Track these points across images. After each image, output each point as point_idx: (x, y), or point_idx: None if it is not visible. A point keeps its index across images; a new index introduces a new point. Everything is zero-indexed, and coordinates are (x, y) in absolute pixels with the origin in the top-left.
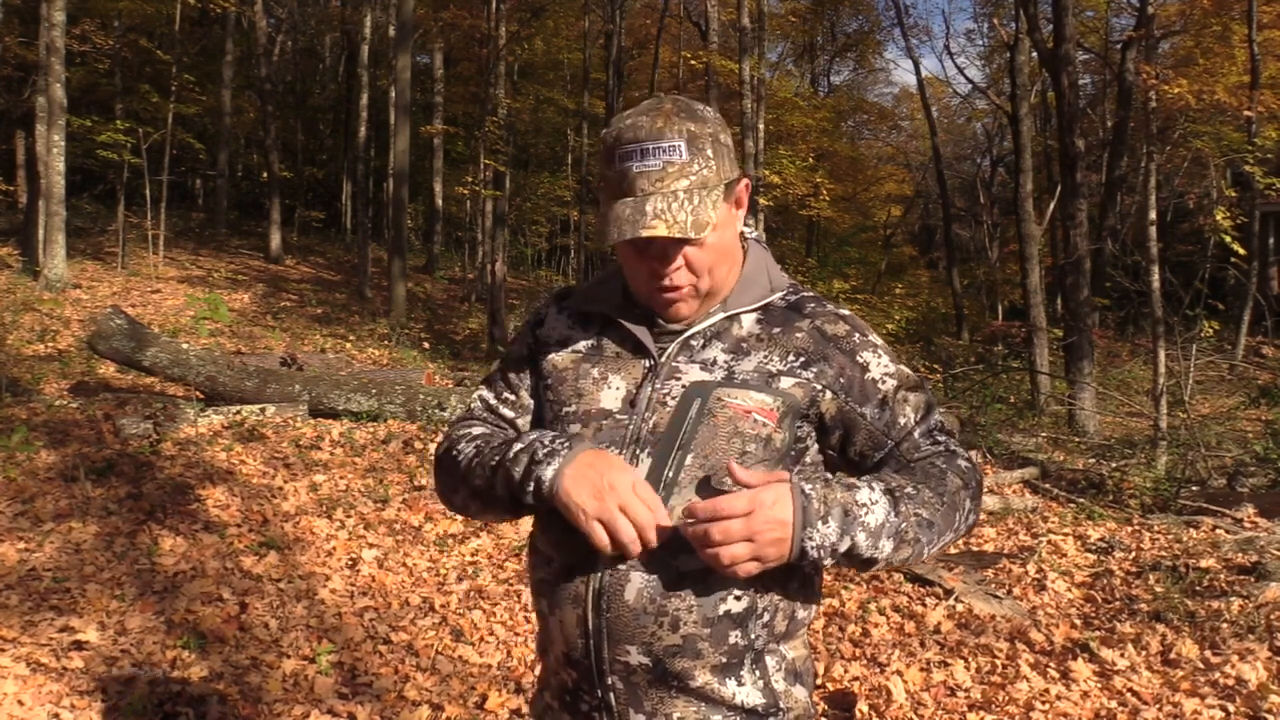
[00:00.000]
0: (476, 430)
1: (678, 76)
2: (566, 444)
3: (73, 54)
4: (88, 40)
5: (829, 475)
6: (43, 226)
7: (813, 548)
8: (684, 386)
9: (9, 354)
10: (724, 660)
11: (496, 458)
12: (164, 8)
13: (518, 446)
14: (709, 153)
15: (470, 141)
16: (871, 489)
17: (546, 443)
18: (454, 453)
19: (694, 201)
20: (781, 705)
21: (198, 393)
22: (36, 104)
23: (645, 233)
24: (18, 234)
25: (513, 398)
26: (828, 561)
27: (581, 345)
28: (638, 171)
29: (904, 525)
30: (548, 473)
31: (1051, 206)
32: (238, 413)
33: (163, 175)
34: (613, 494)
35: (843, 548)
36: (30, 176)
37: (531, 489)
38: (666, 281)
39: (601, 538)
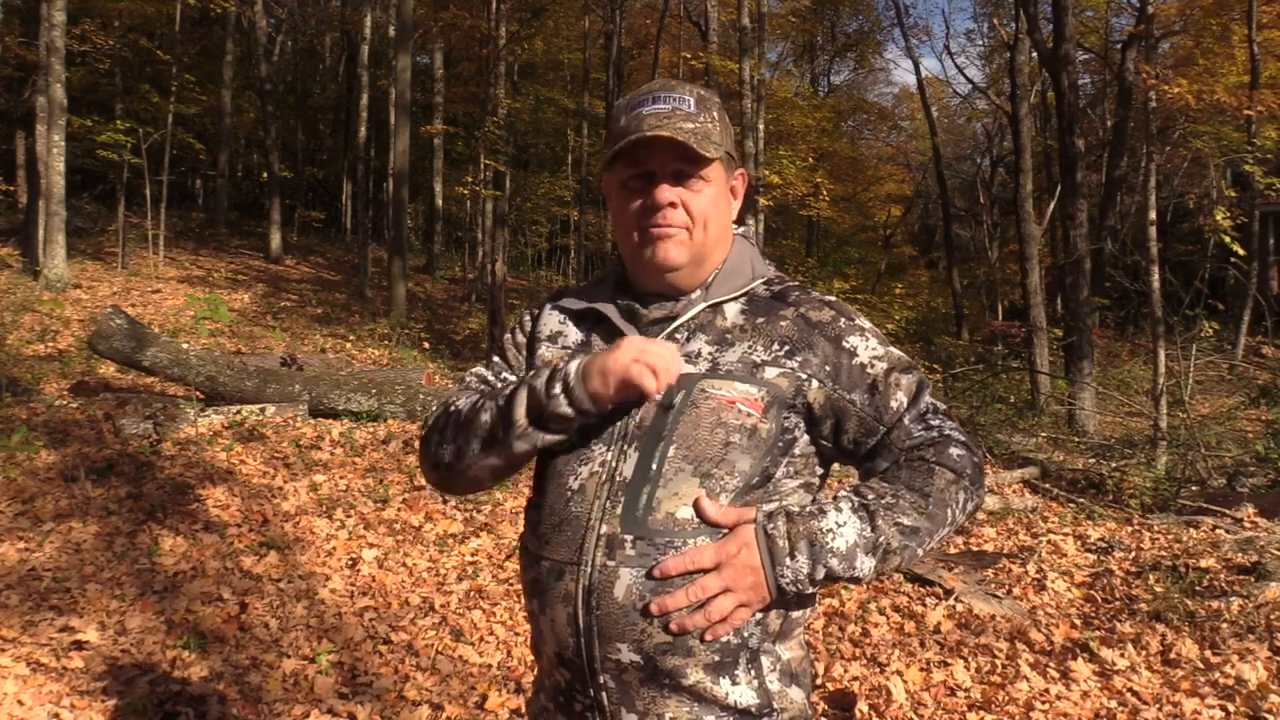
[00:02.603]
0: (474, 393)
1: (678, 77)
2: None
3: (73, 54)
4: (88, 40)
5: (792, 510)
6: (43, 226)
7: (788, 583)
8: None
9: (9, 354)
10: (716, 659)
11: (512, 386)
12: (164, 8)
13: (536, 369)
14: (715, 115)
15: (470, 141)
16: (839, 510)
17: (565, 359)
18: (451, 408)
19: (697, 136)
20: (776, 706)
21: (198, 393)
22: (37, 104)
23: (650, 134)
24: (18, 234)
25: (510, 377)
26: (810, 590)
27: (571, 342)
28: (647, 113)
29: (882, 538)
30: (572, 367)
31: (1051, 206)
32: (238, 413)
33: (163, 175)
34: (626, 347)
35: (819, 575)
36: (30, 176)
37: (559, 387)
38: (659, 218)
39: (643, 376)
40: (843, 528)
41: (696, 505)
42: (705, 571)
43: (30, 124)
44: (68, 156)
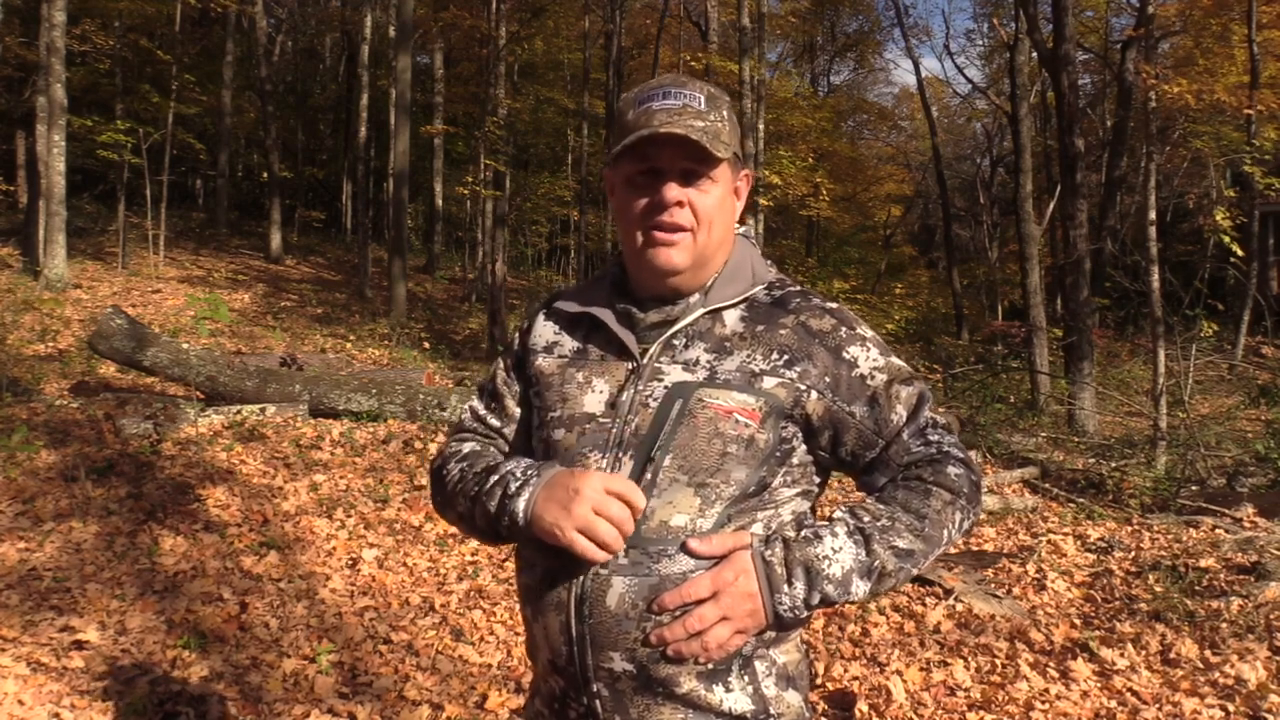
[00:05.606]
0: (465, 448)
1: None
2: (536, 473)
3: (73, 54)
4: (88, 40)
5: (788, 535)
6: (43, 226)
7: (785, 610)
8: (666, 388)
9: (9, 354)
10: (709, 666)
11: (475, 488)
12: (164, 8)
13: (493, 479)
14: (725, 114)
15: (470, 141)
16: (835, 535)
17: (519, 475)
18: (444, 472)
19: (708, 135)
20: (772, 711)
21: (198, 393)
22: (37, 104)
23: (661, 130)
24: (18, 234)
25: (499, 407)
26: (805, 615)
27: (568, 350)
28: (657, 108)
29: (878, 562)
30: (520, 505)
31: (1051, 206)
32: (238, 413)
33: (163, 175)
34: (581, 500)
35: (814, 601)
36: (31, 176)
37: (507, 523)
38: (665, 217)
39: (586, 547)
40: (839, 553)
41: (684, 547)
42: (703, 601)
43: (30, 124)
44: (68, 156)
